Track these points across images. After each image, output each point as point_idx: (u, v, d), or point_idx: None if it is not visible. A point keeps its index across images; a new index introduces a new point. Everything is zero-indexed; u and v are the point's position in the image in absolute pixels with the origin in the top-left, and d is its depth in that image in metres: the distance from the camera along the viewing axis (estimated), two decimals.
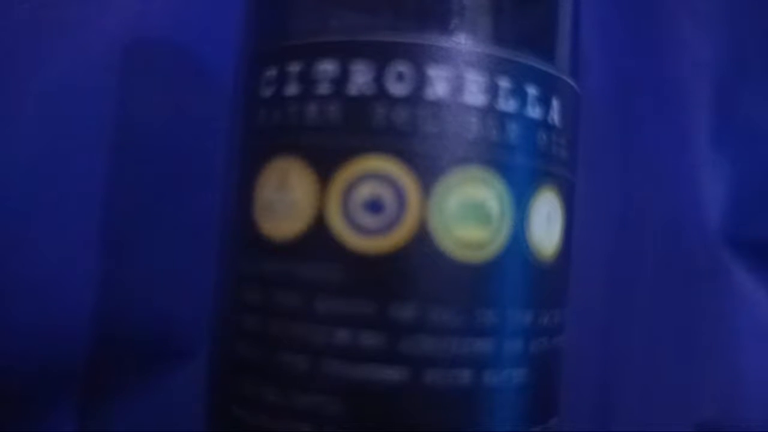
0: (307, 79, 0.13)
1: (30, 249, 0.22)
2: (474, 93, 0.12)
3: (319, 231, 0.12)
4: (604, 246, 0.26)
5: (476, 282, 0.12)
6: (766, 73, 0.28)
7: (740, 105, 0.28)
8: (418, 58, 0.12)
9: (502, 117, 0.13)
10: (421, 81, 0.12)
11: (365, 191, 0.12)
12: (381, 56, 0.12)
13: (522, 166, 0.13)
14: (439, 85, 0.12)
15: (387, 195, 0.12)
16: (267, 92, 0.13)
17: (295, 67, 0.13)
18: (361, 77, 0.12)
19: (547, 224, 0.13)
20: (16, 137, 0.22)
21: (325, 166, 0.12)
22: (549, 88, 0.13)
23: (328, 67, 0.12)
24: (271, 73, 0.13)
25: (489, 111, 0.13)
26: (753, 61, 0.28)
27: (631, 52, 0.28)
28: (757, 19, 0.28)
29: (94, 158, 0.23)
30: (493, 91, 0.13)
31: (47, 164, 0.22)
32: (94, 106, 0.23)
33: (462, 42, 0.13)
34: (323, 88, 0.12)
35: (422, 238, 0.12)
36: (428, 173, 0.12)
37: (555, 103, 0.14)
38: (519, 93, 0.13)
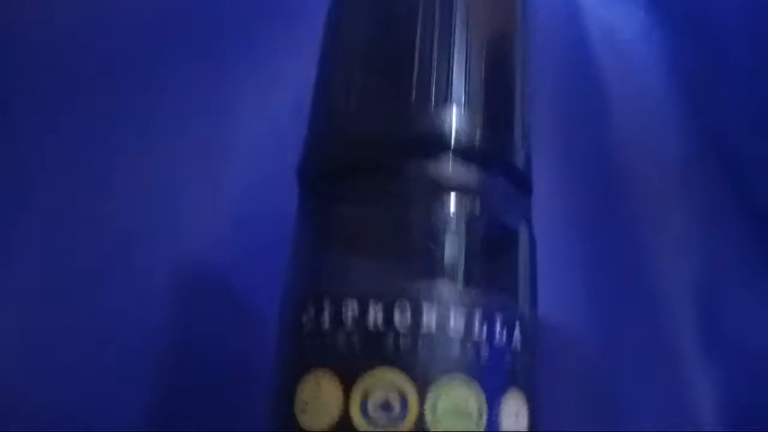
0: (336, 319, 0.17)
1: None
2: (455, 325, 0.17)
3: (344, 426, 0.16)
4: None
5: None
6: (743, 291, 0.31)
7: (723, 323, 0.30)
8: (415, 299, 0.17)
9: (477, 344, 0.17)
10: (418, 317, 0.17)
11: (379, 395, 0.16)
12: (389, 299, 0.17)
13: (494, 376, 0.17)
14: (430, 319, 0.17)
15: (394, 399, 0.16)
16: (307, 327, 0.18)
17: (327, 309, 0.18)
18: (375, 316, 0.17)
19: (515, 419, 0.18)
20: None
21: (349, 378, 0.16)
22: (513, 318, 0.18)
23: (351, 310, 0.17)
24: (310, 312, 0.18)
25: (467, 338, 0.17)
26: (730, 280, 0.31)
27: (614, 290, 0.31)
28: (731, 239, 0.31)
29: (137, 383, 0.26)
30: (469, 322, 0.18)
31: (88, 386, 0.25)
32: (142, 331, 0.26)
33: (448, 286, 0.18)
34: (348, 325, 0.17)
35: (420, 430, 0.16)
36: (423, 382, 0.16)
37: (517, 332, 0.18)
38: (489, 323, 0.18)
